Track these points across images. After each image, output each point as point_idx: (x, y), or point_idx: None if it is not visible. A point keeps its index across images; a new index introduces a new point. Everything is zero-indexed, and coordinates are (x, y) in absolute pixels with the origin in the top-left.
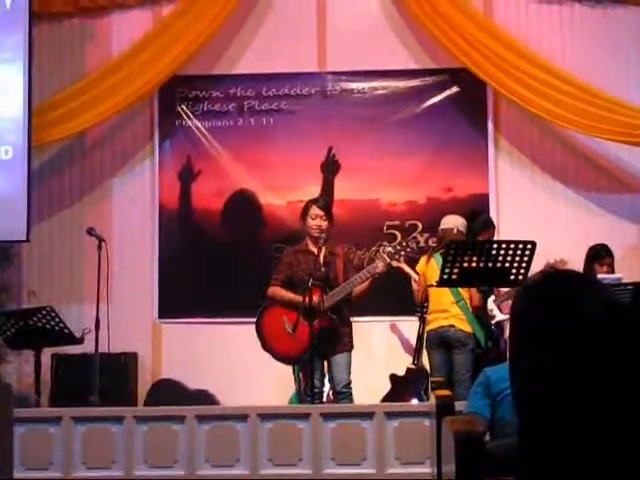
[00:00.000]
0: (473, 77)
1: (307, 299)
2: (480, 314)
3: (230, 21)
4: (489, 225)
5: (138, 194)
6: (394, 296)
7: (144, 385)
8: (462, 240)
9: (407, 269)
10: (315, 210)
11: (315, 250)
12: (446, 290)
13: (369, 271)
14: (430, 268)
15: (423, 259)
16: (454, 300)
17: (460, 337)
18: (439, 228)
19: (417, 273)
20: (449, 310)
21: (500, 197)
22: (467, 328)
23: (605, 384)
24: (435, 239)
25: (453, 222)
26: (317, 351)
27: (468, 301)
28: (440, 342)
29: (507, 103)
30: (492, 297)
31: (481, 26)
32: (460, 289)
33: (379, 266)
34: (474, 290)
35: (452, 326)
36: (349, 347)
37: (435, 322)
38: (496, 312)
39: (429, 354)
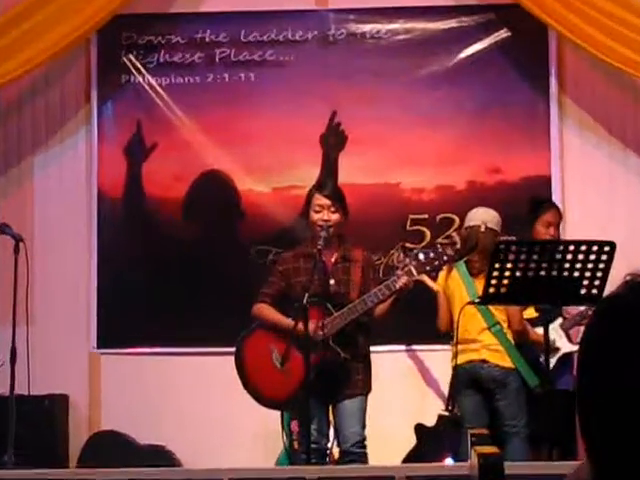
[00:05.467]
0: (529, 17)
1: (302, 322)
2: (523, 341)
3: None
4: (541, 208)
5: (69, 177)
6: (417, 317)
7: (78, 439)
8: (515, 239)
9: (430, 282)
10: (319, 199)
11: (322, 255)
12: (473, 312)
13: (388, 287)
14: (452, 282)
15: (442, 272)
16: (486, 325)
17: (496, 375)
18: (463, 227)
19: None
20: (479, 339)
21: (567, 181)
22: (505, 362)
23: None
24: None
25: (480, 217)
26: (316, 394)
27: (505, 325)
28: (471, 382)
29: (576, 52)
30: (558, 320)
31: None
32: (493, 309)
33: (401, 281)
34: (513, 309)
35: (484, 361)
36: (364, 390)
37: (462, 355)
38: (562, 342)
39: (458, 398)
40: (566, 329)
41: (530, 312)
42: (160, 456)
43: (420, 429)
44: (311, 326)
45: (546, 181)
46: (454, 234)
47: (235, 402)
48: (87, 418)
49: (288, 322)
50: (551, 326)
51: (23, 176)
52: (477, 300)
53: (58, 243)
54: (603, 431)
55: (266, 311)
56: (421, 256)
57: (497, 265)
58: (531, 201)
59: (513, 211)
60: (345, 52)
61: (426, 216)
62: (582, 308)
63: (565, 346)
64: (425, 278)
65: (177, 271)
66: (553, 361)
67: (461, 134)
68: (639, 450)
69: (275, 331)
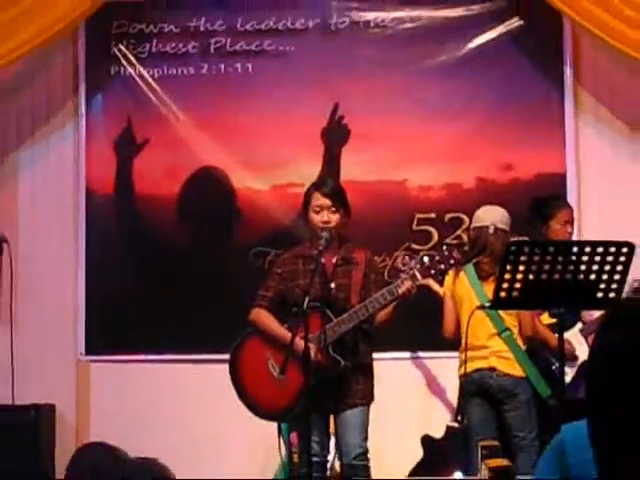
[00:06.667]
0: (543, 3)
1: (302, 330)
2: (535, 348)
3: None
4: (555, 205)
5: (56, 174)
6: (422, 323)
7: (65, 452)
8: (527, 240)
9: (435, 286)
10: (318, 199)
11: (322, 257)
12: (482, 317)
13: (390, 292)
14: (460, 286)
15: (450, 275)
16: (495, 331)
17: (506, 385)
18: (470, 227)
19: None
20: (488, 345)
21: (583, 179)
22: (515, 371)
23: None
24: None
25: (489, 217)
26: (316, 404)
27: (515, 330)
28: (479, 392)
29: (592, 41)
30: (578, 325)
31: None
32: (504, 314)
33: (404, 286)
34: (525, 314)
35: (493, 369)
36: (365, 399)
37: (471, 363)
38: (582, 349)
39: (466, 408)
40: (586, 335)
41: (544, 317)
42: (152, 470)
43: (427, 441)
44: (312, 351)
45: (561, 178)
46: (463, 235)
47: (230, 413)
48: (74, 429)
49: (285, 335)
50: (571, 332)
51: (7, 173)
52: (488, 304)
53: (44, 244)
54: (613, 440)
55: (264, 318)
56: (426, 259)
57: (508, 267)
58: (537, 200)
59: (526, 210)
60: (348, 41)
61: (433, 215)
62: (600, 313)
63: (585, 354)
64: (431, 282)
65: (170, 273)
66: (572, 370)
67: (470, 128)
68: None
69: (272, 338)
